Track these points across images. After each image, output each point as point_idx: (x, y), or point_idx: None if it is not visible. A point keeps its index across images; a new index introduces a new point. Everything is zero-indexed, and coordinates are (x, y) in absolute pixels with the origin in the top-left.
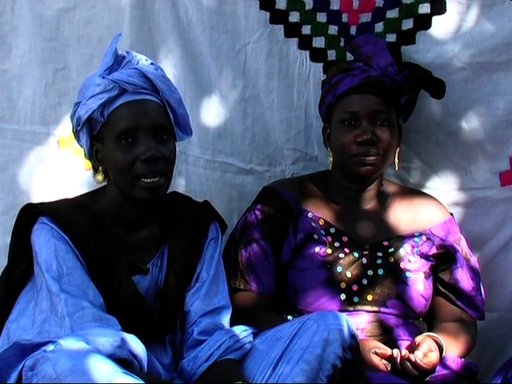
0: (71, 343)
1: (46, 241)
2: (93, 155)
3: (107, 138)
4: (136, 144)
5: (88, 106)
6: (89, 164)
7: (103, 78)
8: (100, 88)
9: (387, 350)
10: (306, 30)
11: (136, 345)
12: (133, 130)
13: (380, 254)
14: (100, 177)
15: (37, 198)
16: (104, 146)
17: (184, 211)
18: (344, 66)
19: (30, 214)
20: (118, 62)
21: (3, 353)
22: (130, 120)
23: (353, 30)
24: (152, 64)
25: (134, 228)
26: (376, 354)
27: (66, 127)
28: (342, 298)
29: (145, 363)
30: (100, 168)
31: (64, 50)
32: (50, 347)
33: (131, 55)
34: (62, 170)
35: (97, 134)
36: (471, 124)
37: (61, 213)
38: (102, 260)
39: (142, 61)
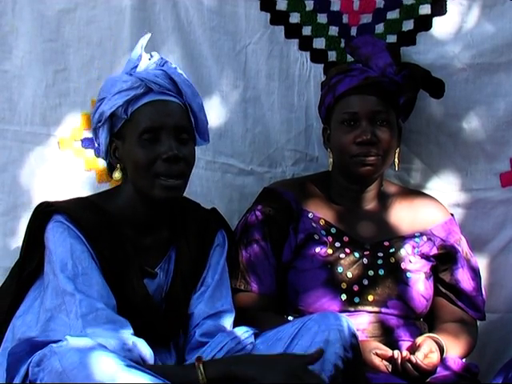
0: (78, 339)
1: (61, 240)
2: (111, 153)
3: (129, 135)
4: (158, 143)
5: (113, 101)
6: (89, 165)
7: (130, 75)
8: (127, 85)
9: (388, 351)
10: (307, 31)
11: (145, 350)
12: (156, 128)
13: (381, 255)
14: (118, 174)
15: (37, 198)
16: (124, 144)
17: (193, 217)
18: (343, 67)
19: (44, 212)
20: (145, 61)
21: (15, 347)
22: (154, 118)
23: (353, 31)
24: (175, 68)
25: (145, 230)
26: (377, 354)
27: (66, 128)
28: (343, 299)
29: None
30: (118, 166)
31: (64, 51)
32: (58, 343)
33: (157, 57)
34: (62, 171)
35: (117, 132)
36: (472, 125)
37: (76, 212)
38: (115, 261)
39: (167, 64)
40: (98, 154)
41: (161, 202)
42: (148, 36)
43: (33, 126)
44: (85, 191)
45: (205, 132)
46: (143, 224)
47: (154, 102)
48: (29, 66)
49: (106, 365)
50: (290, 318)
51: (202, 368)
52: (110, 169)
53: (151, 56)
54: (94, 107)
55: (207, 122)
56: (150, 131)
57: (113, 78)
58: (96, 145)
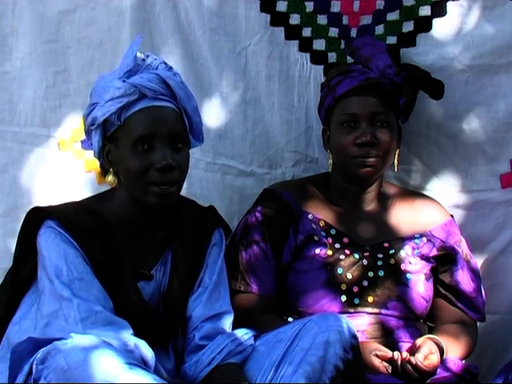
0: (83, 337)
1: (54, 245)
2: (103, 155)
3: (122, 141)
4: (152, 151)
5: (106, 108)
6: (89, 166)
7: (123, 81)
8: (120, 92)
9: (388, 353)
10: (307, 32)
11: (146, 351)
12: (150, 136)
13: (380, 256)
14: (111, 178)
15: (37, 200)
16: (118, 149)
17: (189, 216)
18: (343, 68)
19: (36, 218)
20: (138, 64)
21: (17, 346)
22: (147, 126)
23: (353, 33)
24: (170, 69)
25: (139, 233)
26: (377, 356)
27: (66, 129)
28: (343, 300)
29: (152, 369)
30: (111, 169)
31: (64, 53)
32: (62, 341)
33: (151, 59)
34: (62, 173)
35: (110, 136)
36: (472, 126)
37: (68, 217)
38: (107, 265)
39: (162, 65)
40: (96, 156)
41: (154, 208)
42: (139, 41)
43: (33, 127)
44: (85, 192)
45: (199, 133)
46: (137, 227)
47: (148, 109)
48: (29, 68)
49: (111, 363)
50: (290, 319)
51: None
52: (103, 169)
53: (146, 57)
54: (87, 110)
55: (202, 124)
56: (143, 139)
57: (105, 81)
58: (90, 144)
